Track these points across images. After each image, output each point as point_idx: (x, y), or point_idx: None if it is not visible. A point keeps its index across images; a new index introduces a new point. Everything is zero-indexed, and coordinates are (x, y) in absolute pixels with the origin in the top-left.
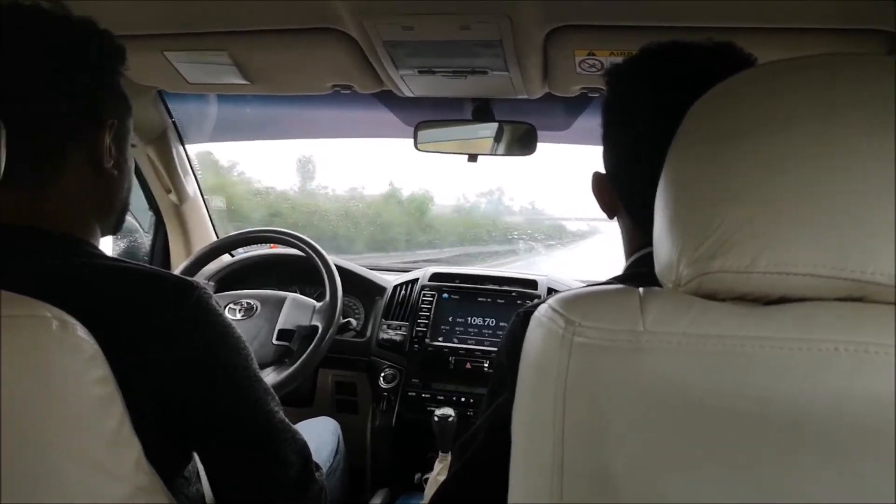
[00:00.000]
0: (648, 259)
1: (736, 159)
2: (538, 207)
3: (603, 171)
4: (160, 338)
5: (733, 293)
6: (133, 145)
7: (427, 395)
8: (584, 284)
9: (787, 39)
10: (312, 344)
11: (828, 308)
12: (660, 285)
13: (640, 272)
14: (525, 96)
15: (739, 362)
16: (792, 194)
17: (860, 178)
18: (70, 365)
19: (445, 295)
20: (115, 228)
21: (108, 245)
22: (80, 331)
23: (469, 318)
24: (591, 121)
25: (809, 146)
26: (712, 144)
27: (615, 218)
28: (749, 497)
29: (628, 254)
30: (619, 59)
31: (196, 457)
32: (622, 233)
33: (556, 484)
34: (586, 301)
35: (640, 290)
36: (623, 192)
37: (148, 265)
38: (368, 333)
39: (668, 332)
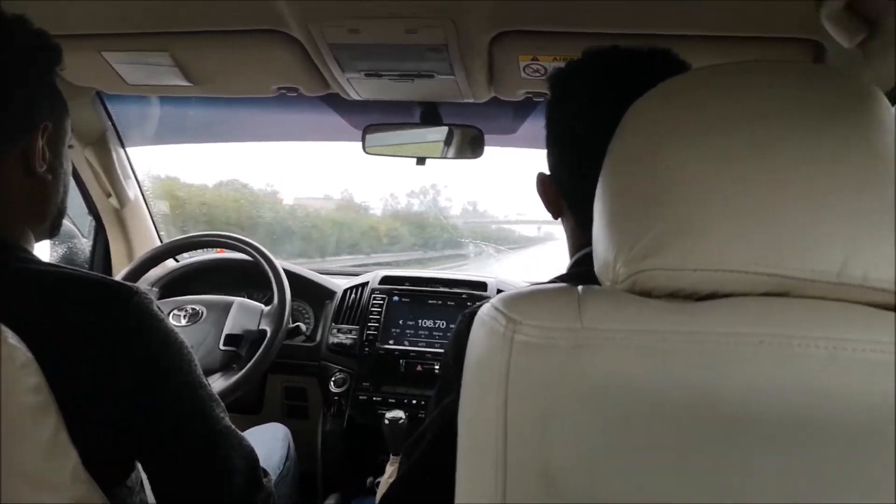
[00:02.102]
0: (589, 258)
1: (668, 160)
2: (480, 209)
3: (547, 171)
4: (98, 344)
5: (666, 290)
6: (70, 146)
7: (378, 399)
8: (532, 284)
9: (720, 46)
10: (261, 348)
11: (754, 303)
12: (600, 284)
13: (581, 271)
14: (471, 100)
15: (672, 357)
16: (719, 194)
17: (782, 179)
18: (1, 373)
19: (396, 298)
20: (50, 233)
21: (45, 251)
22: (12, 338)
23: (419, 321)
24: (537, 124)
25: (736, 149)
26: (647, 145)
27: (559, 218)
28: (688, 490)
29: (572, 253)
30: (562, 64)
31: (139, 465)
32: (566, 232)
33: (500, 483)
34: (527, 300)
35: (579, 288)
36: (566, 193)
37: (84, 270)
38: (318, 338)
39: (604, 329)
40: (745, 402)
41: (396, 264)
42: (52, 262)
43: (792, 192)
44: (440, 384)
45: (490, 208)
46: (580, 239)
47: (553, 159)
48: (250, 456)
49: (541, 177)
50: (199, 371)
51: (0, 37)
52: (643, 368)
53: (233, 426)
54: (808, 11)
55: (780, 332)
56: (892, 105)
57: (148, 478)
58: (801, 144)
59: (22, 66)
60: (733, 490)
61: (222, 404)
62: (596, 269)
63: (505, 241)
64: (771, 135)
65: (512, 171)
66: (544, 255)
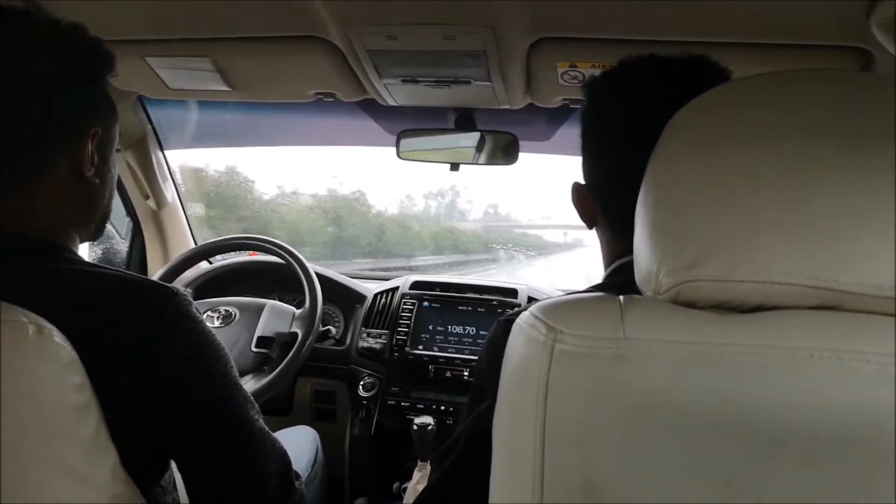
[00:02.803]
0: (628, 268)
1: (713, 170)
2: (502, 213)
3: (582, 181)
4: (139, 344)
5: (712, 301)
6: (118, 150)
7: (406, 404)
8: (565, 293)
9: (763, 55)
10: (292, 351)
11: (803, 316)
12: (639, 293)
13: (619, 281)
14: (507, 106)
15: (717, 369)
16: (768, 205)
17: (834, 190)
18: (46, 371)
19: (426, 303)
20: (94, 235)
21: (84, 251)
22: (57, 336)
23: (449, 327)
24: (573, 131)
25: (785, 159)
26: (691, 155)
27: (594, 228)
28: (727, 502)
29: (607, 263)
30: (599, 71)
31: (173, 465)
32: (601, 242)
33: (537, 491)
34: (567, 309)
35: (621, 297)
36: (602, 202)
37: (126, 271)
38: (348, 341)
39: (647, 339)
40: (794, 418)
41: (424, 268)
42: (93, 261)
43: (842, 204)
44: (473, 391)
45: (513, 212)
46: (616, 248)
47: (589, 168)
48: (283, 458)
49: (576, 186)
50: (236, 373)
51: (58, 44)
52: (686, 381)
53: (267, 429)
54: (858, 18)
55: (831, 346)
56: None
57: (182, 478)
58: (851, 155)
59: (77, 73)
60: (778, 502)
61: (257, 406)
62: (637, 278)
63: (533, 247)
64: (820, 145)
65: (536, 174)
66: (575, 261)
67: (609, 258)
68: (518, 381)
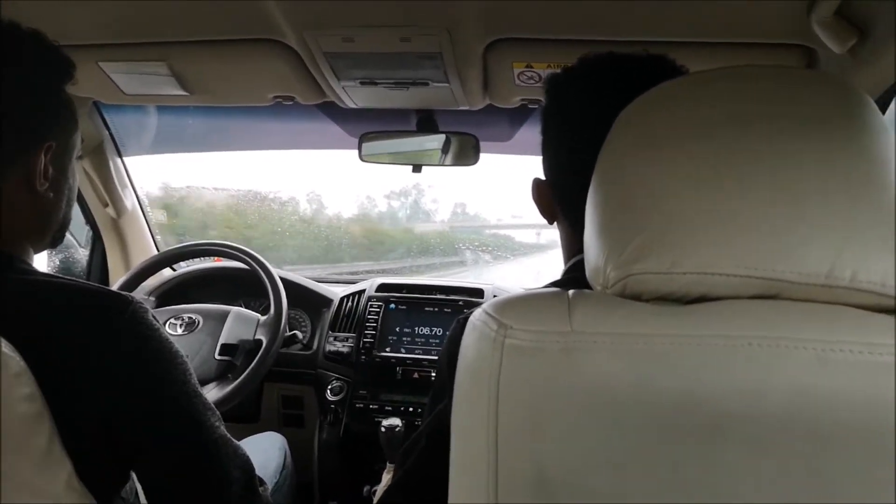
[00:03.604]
0: (583, 263)
1: (658, 164)
2: (470, 212)
3: (542, 177)
4: (93, 354)
5: (657, 294)
6: (80, 157)
7: (375, 407)
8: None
9: (713, 52)
10: (256, 358)
11: (743, 306)
12: (592, 289)
13: (576, 276)
14: (467, 107)
15: (661, 360)
16: (708, 198)
17: (770, 182)
18: None
19: (392, 305)
20: (52, 244)
21: (42, 260)
22: (6, 347)
23: (416, 328)
24: (532, 132)
25: (724, 152)
26: (637, 150)
27: (555, 224)
28: (679, 492)
29: (566, 259)
30: (556, 71)
31: (134, 475)
32: (561, 238)
33: (493, 487)
34: (518, 304)
35: (570, 292)
36: (561, 199)
37: (81, 280)
38: (315, 346)
39: (594, 333)
40: (736, 405)
41: (393, 271)
42: (50, 272)
43: (781, 196)
44: (434, 390)
45: (482, 211)
46: (575, 245)
47: (548, 164)
48: (246, 465)
49: (536, 182)
50: (195, 380)
51: (13, 52)
52: (633, 372)
53: (228, 435)
54: (800, 17)
55: (770, 334)
56: (882, 111)
57: (142, 488)
58: (790, 148)
59: (33, 84)
60: (724, 492)
61: (217, 413)
62: (587, 273)
63: (502, 248)
64: (761, 138)
65: (504, 174)
66: (549, 263)
67: (568, 254)
68: (472, 378)
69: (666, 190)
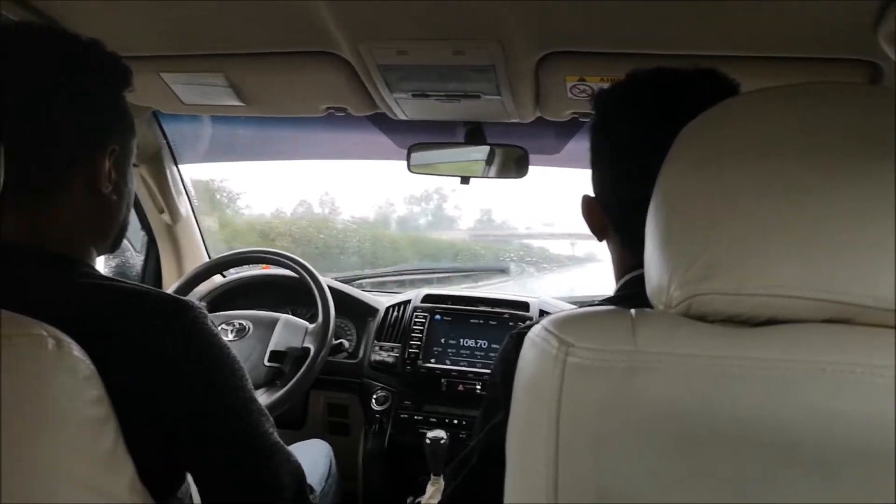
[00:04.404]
0: (639, 281)
1: (724, 183)
2: (497, 220)
3: (591, 193)
4: (155, 357)
5: (723, 315)
6: (136, 165)
7: (419, 418)
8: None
9: (770, 68)
10: (304, 366)
11: (815, 330)
12: (651, 307)
13: (631, 293)
14: (517, 120)
15: (728, 382)
16: (779, 218)
17: (844, 203)
18: (65, 384)
19: (438, 316)
20: (112, 248)
21: (100, 265)
22: (76, 350)
23: (461, 340)
24: (582, 145)
25: (795, 171)
26: (701, 168)
27: (604, 241)
28: None
29: (618, 276)
30: (608, 85)
31: (190, 478)
32: (612, 255)
33: (552, 503)
34: (579, 322)
35: (632, 311)
36: (612, 216)
37: (143, 285)
38: (361, 355)
39: (659, 353)
40: (805, 431)
41: (436, 280)
42: (109, 275)
43: (852, 217)
44: (486, 404)
45: (509, 219)
46: (627, 261)
47: (598, 181)
48: (298, 472)
49: (586, 199)
50: (251, 386)
51: (76, 59)
52: (699, 393)
53: (281, 442)
54: (865, 32)
55: (842, 359)
56: None
57: (198, 490)
58: (859, 168)
59: (95, 89)
60: None
61: (271, 420)
62: (648, 292)
63: (535, 260)
64: (828, 158)
65: (534, 178)
66: (588, 277)
67: (620, 271)
68: (531, 395)
69: (732, 209)
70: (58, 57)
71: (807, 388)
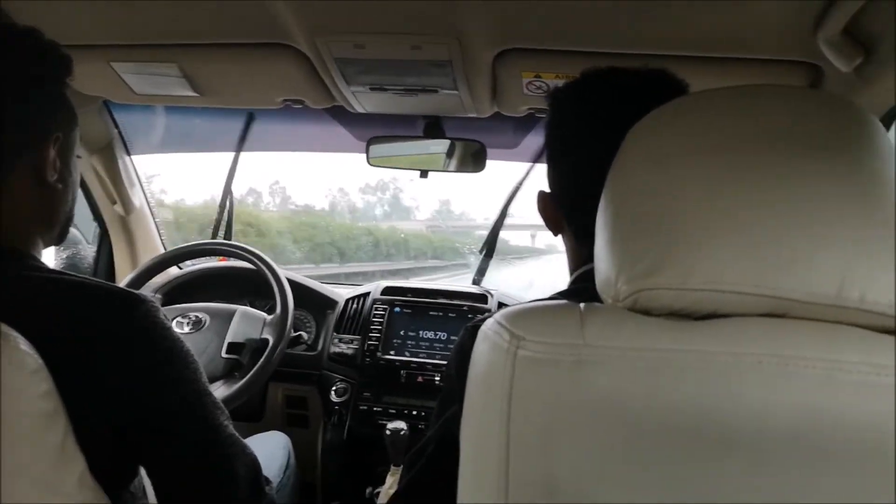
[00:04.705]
0: (590, 275)
1: (670, 181)
2: (455, 211)
3: (547, 189)
4: (106, 352)
5: (667, 309)
6: (79, 157)
7: (379, 409)
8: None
9: (718, 68)
10: (263, 357)
11: (752, 323)
12: (601, 300)
13: (582, 287)
14: (475, 115)
15: (671, 374)
16: (718, 215)
17: (780, 200)
18: (12, 379)
19: (397, 309)
20: (58, 240)
21: (50, 256)
22: (23, 344)
23: (421, 332)
24: (539, 140)
25: (737, 170)
26: (649, 166)
27: (559, 234)
28: None
29: (572, 269)
30: (563, 82)
31: (143, 471)
32: (566, 249)
33: (502, 494)
34: (530, 315)
35: (581, 305)
36: (566, 210)
37: (92, 278)
38: (320, 347)
39: (606, 346)
40: (742, 421)
41: (398, 273)
42: (58, 268)
43: (790, 215)
44: (442, 396)
45: (468, 210)
46: (580, 255)
47: (552, 176)
48: (253, 464)
49: (541, 195)
50: (205, 379)
51: (11, 48)
52: (643, 385)
53: (236, 434)
54: (807, 35)
55: (778, 352)
56: (887, 129)
57: (151, 483)
58: (798, 167)
59: (33, 78)
60: None
61: (226, 412)
62: (598, 286)
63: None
64: (769, 157)
65: (491, 169)
66: (548, 268)
67: (574, 265)
68: (483, 387)
69: (676, 206)
70: None
71: (745, 380)
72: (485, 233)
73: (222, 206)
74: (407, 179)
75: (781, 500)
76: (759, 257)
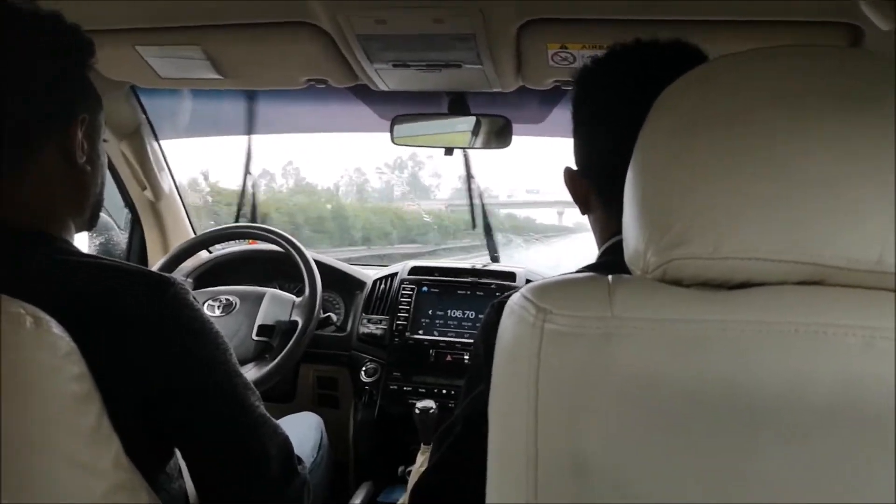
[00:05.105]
0: (619, 247)
1: (699, 149)
2: (478, 188)
3: (574, 165)
4: (137, 334)
5: (698, 279)
6: (105, 140)
7: (408, 389)
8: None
9: (751, 32)
10: (293, 339)
11: (788, 291)
12: (630, 273)
13: (610, 260)
14: (499, 89)
15: (703, 346)
16: (752, 182)
17: (815, 165)
18: (45, 362)
19: (425, 288)
20: (89, 224)
21: (83, 242)
22: (55, 327)
23: (448, 311)
24: (565, 113)
25: (767, 134)
26: (676, 135)
27: (587, 213)
28: (716, 479)
29: (600, 243)
30: (590, 52)
31: (178, 452)
32: (594, 223)
33: (532, 472)
34: (557, 289)
35: (609, 277)
36: (594, 184)
37: (124, 261)
38: (349, 328)
39: (635, 318)
40: (779, 391)
41: (423, 255)
42: (91, 253)
43: (827, 179)
44: (469, 374)
45: (491, 186)
46: (609, 229)
47: (579, 152)
48: (285, 444)
49: (568, 170)
50: (235, 360)
51: (35, 32)
52: (674, 357)
53: (268, 414)
54: None
55: (815, 320)
56: None
57: (186, 464)
58: (836, 130)
59: (57, 61)
60: (766, 479)
61: (257, 393)
62: (626, 258)
63: (521, 231)
64: (805, 120)
65: (518, 146)
66: (577, 248)
67: (602, 239)
68: (510, 363)
69: (707, 174)
70: (17, 30)
71: (780, 350)
72: (510, 210)
73: (243, 189)
74: (426, 156)
75: (820, 471)
76: (794, 224)
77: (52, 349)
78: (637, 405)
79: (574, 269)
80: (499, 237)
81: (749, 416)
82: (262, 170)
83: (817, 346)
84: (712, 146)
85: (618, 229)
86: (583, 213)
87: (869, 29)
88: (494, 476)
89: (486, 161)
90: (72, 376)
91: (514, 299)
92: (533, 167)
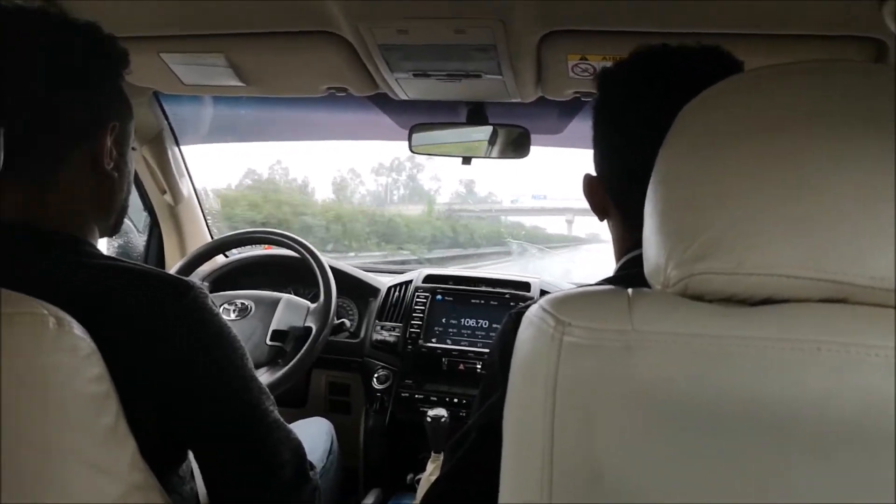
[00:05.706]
0: (638, 260)
1: (723, 163)
2: (479, 192)
3: (593, 173)
4: (156, 336)
5: (720, 294)
6: (133, 148)
7: (420, 396)
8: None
9: (774, 45)
10: (306, 345)
11: (811, 309)
12: (650, 286)
13: (630, 273)
14: (518, 100)
15: (724, 361)
16: (776, 197)
17: (842, 182)
18: (66, 363)
19: (439, 296)
20: (113, 230)
21: (103, 245)
22: (77, 329)
23: (462, 320)
24: (585, 124)
25: (794, 150)
26: (700, 148)
27: (606, 220)
28: (736, 496)
29: (619, 255)
30: (610, 64)
31: (191, 455)
32: (613, 234)
33: (546, 482)
34: (576, 301)
35: (629, 290)
36: (614, 195)
37: (144, 265)
38: (362, 334)
39: (655, 332)
40: (801, 410)
41: (438, 261)
42: (111, 255)
43: (851, 196)
44: (485, 383)
45: (494, 191)
46: (628, 241)
47: (600, 160)
48: (298, 449)
49: (588, 178)
50: (251, 365)
51: (73, 41)
52: (693, 373)
53: (281, 419)
54: (871, 9)
55: (838, 339)
56: None
57: (199, 467)
58: (861, 147)
59: (92, 70)
60: (788, 495)
61: (272, 398)
62: (646, 271)
63: (531, 242)
64: (831, 137)
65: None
66: (589, 260)
67: (621, 250)
68: (528, 374)
69: (731, 188)
70: (54, 39)
71: (802, 368)
72: (514, 218)
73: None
74: (424, 157)
75: (843, 488)
76: (817, 241)
77: (73, 350)
78: (656, 418)
79: (594, 282)
80: (514, 246)
81: (771, 433)
82: (246, 169)
83: (840, 364)
84: (738, 161)
85: (637, 242)
86: (601, 220)
87: (892, 44)
88: (508, 484)
89: (490, 165)
90: (91, 377)
91: (533, 310)
92: (540, 172)
